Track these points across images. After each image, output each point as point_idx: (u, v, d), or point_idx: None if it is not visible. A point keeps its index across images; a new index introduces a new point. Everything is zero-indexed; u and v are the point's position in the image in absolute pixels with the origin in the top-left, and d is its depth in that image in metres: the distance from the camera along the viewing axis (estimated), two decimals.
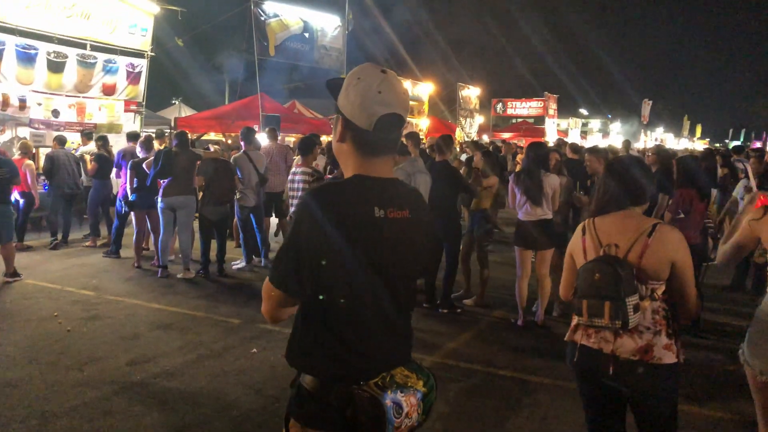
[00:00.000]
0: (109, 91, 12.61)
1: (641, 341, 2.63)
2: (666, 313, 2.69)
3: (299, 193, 7.09)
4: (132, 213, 8.76)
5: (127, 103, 13.02)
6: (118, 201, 9.15)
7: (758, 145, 18.23)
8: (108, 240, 9.67)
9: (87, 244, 10.10)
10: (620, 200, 2.82)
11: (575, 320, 2.82)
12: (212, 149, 9.54)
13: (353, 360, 1.85)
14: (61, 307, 6.69)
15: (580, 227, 2.93)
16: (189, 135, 10.29)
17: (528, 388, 4.87)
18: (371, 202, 1.82)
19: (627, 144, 13.49)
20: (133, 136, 9.47)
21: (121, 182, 9.10)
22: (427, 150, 10.17)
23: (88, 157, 10.26)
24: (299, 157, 7.69)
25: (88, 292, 7.34)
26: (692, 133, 50.85)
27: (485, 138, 24.94)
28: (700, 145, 40.92)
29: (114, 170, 9.22)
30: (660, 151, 7.17)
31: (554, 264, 6.52)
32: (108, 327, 6.08)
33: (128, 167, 8.57)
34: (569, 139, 23.08)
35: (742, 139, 37.49)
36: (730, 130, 47.76)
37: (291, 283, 1.80)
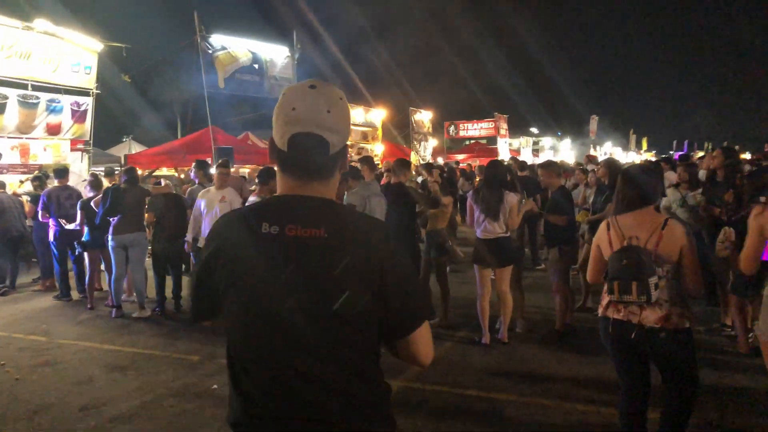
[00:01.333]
0: (54, 130, 12.30)
1: (661, 312, 3.29)
2: (678, 289, 3.35)
3: None
4: (85, 253, 8.53)
5: (74, 142, 12.73)
6: (51, 245, 8.98)
7: (701, 154, 18.95)
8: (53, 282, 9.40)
9: (37, 287, 9.78)
10: (635, 201, 3.49)
11: (607, 298, 3.47)
12: (163, 184, 9.35)
13: (241, 416, 1.62)
14: (9, 354, 6.43)
15: (604, 224, 3.60)
16: (138, 171, 10.07)
17: (495, 406, 4.83)
18: (261, 219, 1.59)
19: (578, 165, 13.74)
20: (59, 173, 9.21)
21: (52, 224, 8.90)
22: (384, 174, 10.20)
23: (25, 199, 9.96)
24: (257, 186, 7.60)
25: (38, 337, 7.08)
26: (639, 146, 52.46)
27: (440, 160, 25.17)
28: (647, 157, 42.12)
29: (39, 213, 8.90)
30: (610, 164, 7.33)
31: (513, 280, 6.56)
32: (60, 372, 5.85)
33: (78, 207, 8.43)
34: (521, 158, 23.49)
35: (686, 150, 38.84)
36: (674, 142, 49.40)
37: (193, 310, 1.72)
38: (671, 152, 34.62)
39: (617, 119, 50.74)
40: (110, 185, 8.55)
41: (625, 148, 49.02)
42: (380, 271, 1.56)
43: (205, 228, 7.35)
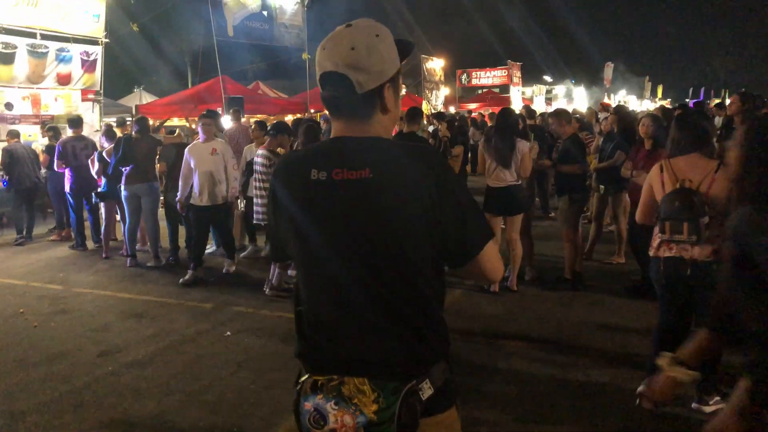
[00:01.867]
0: (64, 80, 12.23)
1: (711, 247, 3.47)
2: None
3: (260, 176, 6.75)
4: (101, 203, 8.63)
5: (84, 92, 12.65)
6: (67, 195, 9.04)
7: (717, 101, 18.53)
8: (68, 232, 9.53)
9: (53, 237, 9.89)
10: (689, 146, 3.67)
11: (658, 239, 3.65)
12: (176, 133, 9.35)
13: (305, 350, 1.68)
14: (27, 303, 6.54)
15: (657, 166, 3.76)
16: (150, 121, 10.06)
17: (503, 354, 4.88)
18: (310, 165, 1.61)
19: (591, 112, 13.51)
20: (74, 123, 9.20)
21: (68, 174, 8.94)
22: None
23: (39, 149, 10.00)
24: (266, 138, 7.22)
25: (56, 286, 7.19)
26: (653, 94, 51.45)
27: (452, 110, 24.89)
28: (662, 105, 41.48)
29: (55, 162, 8.93)
30: (620, 111, 7.22)
31: (523, 229, 6.57)
32: (77, 320, 5.96)
33: (96, 158, 8.49)
34: (534, 107, 23.17)
35: (701, 98, 38.05)
36: (690, 90, 48.42)
37: (271, 253, 1.83)
38: (687, 100, 33.94)
39: (633, 66, 49.55)
40: (122, 135, 8.54)
41: (640, 96, 48.13)
42: (431, 204, 1.54)
43: (196, 184, 7.03)
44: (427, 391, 1.59)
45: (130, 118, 13.58)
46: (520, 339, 5.15)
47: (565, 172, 6.53)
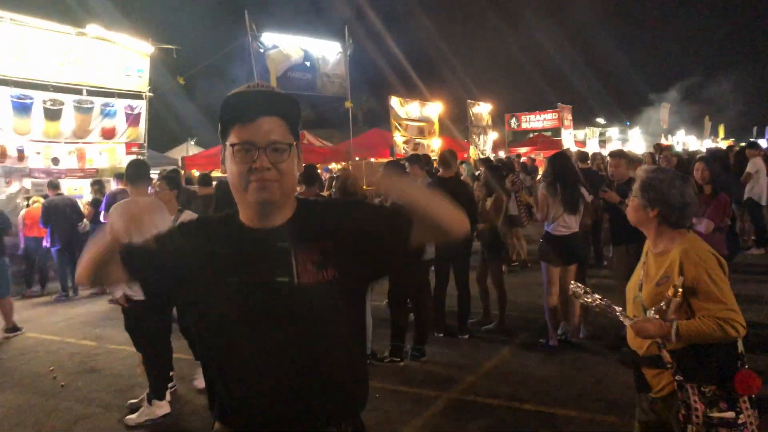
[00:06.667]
0: (108, 134, 12.44)
1: None
2: None
3: None
4: None
5: (129, 145, 12.85)
6: None
7: None
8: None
9: (94, 290, 9.84)
10: None
11: None
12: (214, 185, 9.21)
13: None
14: (59, 360, 6.48)
15: None
16: (182, 173, 10.03)
17: (554, 424, 4.37)
18: None
19: (651, 157, 12.81)
20: (119, 176, 9.21)
21: None
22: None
23: (83, 203, 10.04)
24: (302, 188, 7.16)
25: (89, 342, 7.10)
26: (715, 133, 49.71)
27: (501, 154, 24.46)
28: (724, 145, 40.01)
29: (102, 214, 8.91)
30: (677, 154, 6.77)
31: (579, 280, 6.07)
32: (104, 379, 5.82)
33: None
34: (588, 149, 22.51)
35: (766, 136, 36.47)
36: (755, 128, 46.60)
37: None
38: (752, 139, 32.62)
39: (691, 106, 48.13)
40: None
41: (700, 135, 46.60)
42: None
43: None
44: None
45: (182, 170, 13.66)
46: (575, 406, 4.61)
47: (619, 218, 5.97)
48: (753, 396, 2.34)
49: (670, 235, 2.57)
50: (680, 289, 2.37)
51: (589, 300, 2.14)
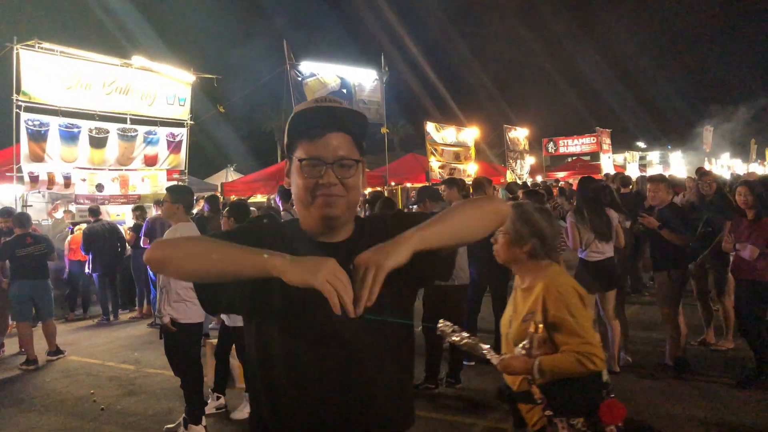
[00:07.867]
0: (150, 161, 12.72)
1: None
2: None
3: None
4: None
5: (170, 172, 13.10)
6: (149, 271, 9.04)
7: None
8: (149, 309, 9.59)
9: (134, 314, 10.04)
10: None
11: None
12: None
13: None
14: (100, 383, 6.58)
15: None
16: (221, 199, 10.17)
17: None
18: None
19: (690, 179, 12.52)
20: (160, 202, 9.40)
21: None
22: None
23: (125, 228, 10.27)
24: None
25: (128, 366, 7.21)
26: (761, 156, 48.39)
27: (539, 179, 24.24)
28: None
29: (142, 239, 9.08)
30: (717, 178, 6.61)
31: (618, 306, 5.96)
32: (142, 403, 5.89)
33: None
34: (628, 173, 22.14)
35: None
36: None
37: None
38: None
39: (736, 128, 46.97)
40: (194, 214, 8.60)
41: (746, 159, 45.41)
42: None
43: None
44: None
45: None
46: None
47: (668, 241, 5.80)
48: (620, 425, 2.33)
49: (536, 270, 2.59)
50: (540, 325, 2.40)
51: (457, 339, 2.10)
